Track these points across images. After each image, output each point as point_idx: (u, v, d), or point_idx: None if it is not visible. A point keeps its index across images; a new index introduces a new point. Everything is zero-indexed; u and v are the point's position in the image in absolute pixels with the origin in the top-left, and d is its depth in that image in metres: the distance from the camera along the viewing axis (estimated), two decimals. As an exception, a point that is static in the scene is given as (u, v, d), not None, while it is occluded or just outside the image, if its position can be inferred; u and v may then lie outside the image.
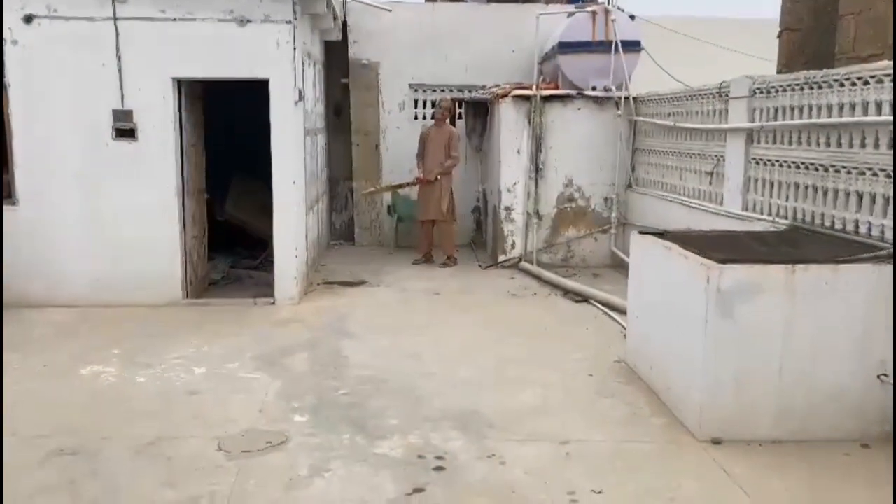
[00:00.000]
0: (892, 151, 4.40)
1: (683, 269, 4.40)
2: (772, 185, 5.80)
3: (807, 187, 5.32)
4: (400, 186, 9.70)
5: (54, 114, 6.61)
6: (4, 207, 6.68)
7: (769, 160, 5.82)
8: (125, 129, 6.66)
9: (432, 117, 9.27)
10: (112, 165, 6.72)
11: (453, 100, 10.07)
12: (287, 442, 4.13)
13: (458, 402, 4.75)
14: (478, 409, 4.62)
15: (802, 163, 5.36)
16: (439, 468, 3.86)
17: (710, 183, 6.87)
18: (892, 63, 4.45)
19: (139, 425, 4.32)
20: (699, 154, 7.16)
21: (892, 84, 4.39)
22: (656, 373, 4.88)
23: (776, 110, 5.71)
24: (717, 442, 4.17)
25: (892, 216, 4.41)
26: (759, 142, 5.99)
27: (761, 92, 5.92)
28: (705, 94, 7.00)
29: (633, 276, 5.39)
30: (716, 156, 6.75)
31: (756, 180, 6.04)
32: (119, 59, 6.57)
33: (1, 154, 6.66)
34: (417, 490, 3.63)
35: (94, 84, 6.59)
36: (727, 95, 6.48)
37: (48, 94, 6.58)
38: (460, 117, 10.32)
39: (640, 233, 5.31)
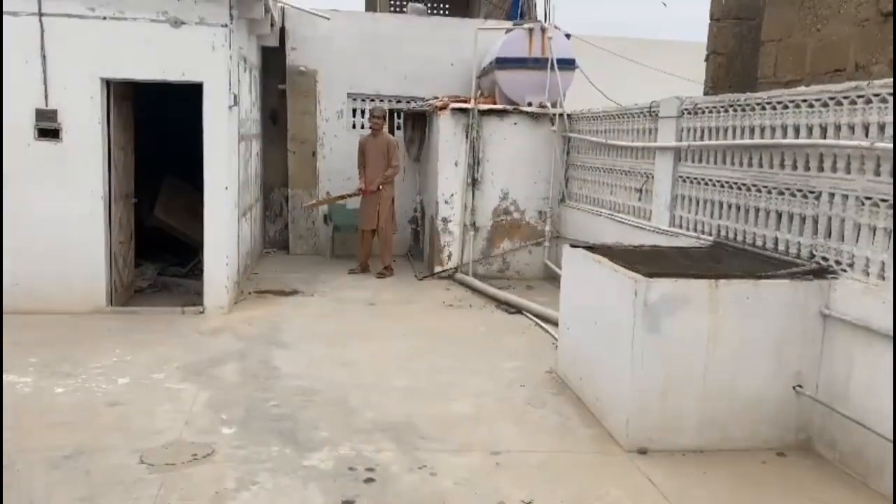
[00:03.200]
0: (807, 173, 4.63)
1: (612, 282, 4.52)
2: (697, 202, 6.01)
3: (730, 206, 5.53)
4: (342, 198, 9.58)
5: (-28, 110, 6.30)
6: (-86, 208, 6.33)
7: (695, 178, 6.04)
8: (48, 130, 6.41)
9: (369, 126, 9.23)
10: (34, 167, 6.45)
11: (390, 109, 10.10)
12: (213, 454, 4.03)
13: (390, 412, 4.73)
14: (410, 420, 4.61)
15: (726, 182, 5.57)
16: (369, 480, 3.84)
17: (640, 199, 7.07)
18: (804, 89, 4.69)
19: (56, 437, 4.14)
20: (629, 171, 7.36)
21: (807, 108, 4.61)
22: (586, 383, 4.98)
23: (702, 130, 5.92)
24: (643, 451, 4.27)
25: (806, 234, 4.62)
26: (686, 160, 6.21)
27: (689, 112, 6.14)
28: (636, 113, 7.21)
29: (564, 289, 5.49)
30: (645, 173, 6.96)
31: (683, 197, 6.25)
32: (44, 56, 6.32)
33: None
34: (347, 502, 3.60)
35: (17, 81, 6.32)
36: (657, 115, 6.69)
37: (-34, 90, 6.28)
38: (399, 128, 10.33)
39: (572, 246, 5.42)
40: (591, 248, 5.24)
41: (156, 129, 8.60)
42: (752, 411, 4.32)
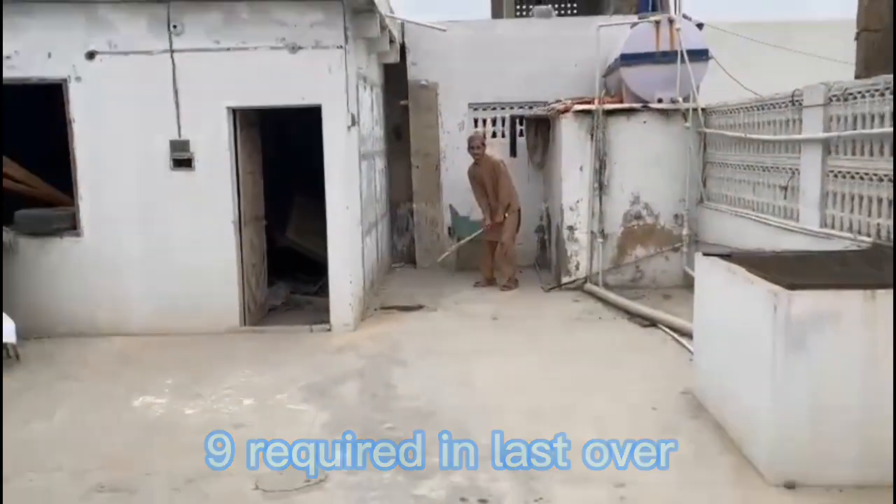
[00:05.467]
0: None
1: (749, 295, 4.04)
2: (852, 199, 5.33)
3: (891, 201, 4.84)
4: (471, 239, 9.36)
5: (115, 146, 6.76)
6: (70, 239, 6.88)
7: (849, 173, 5.35)
8: (182, 160, 6.76)
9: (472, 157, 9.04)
10: (170, 195, 6.82)
11: (512, 116, 9.90)
12: (326, 480, 3.99)
13: (508, 437, 4.49)
14: (528, 445, 4.35)
15: (886, 175, 4.88)
16: (481, 512, 3.63)
17: (785, 198, 6.40)
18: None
19: (181, 460, 4.27)
20: (772, 167, 6.69)
21: None
22: (724, 407, 4.50)
23: (855, 118, 5.24)
24: (790, 486, 3.77)
25: None
26: (836, 153, 5.53)
27: (838, 99, 5.46)
28: (777, 103, 6.54)
29: (697, 302, 5.02)
30: (790, 168, 6.28)
31: (835, 194, 5.57)
32: (176, 90, 6.68)
33: (64, 187, 6.89)
34: (455, 537, 3.41)
35: (153, 116, 6.72)
36: (800, 104, 6.03)
37: (110, 128, 6.74)
38: (521, 134, 10.08)
39: (704, 254, 4.94)
40: (726, 256, 4.75)
41: (287, 151, 8.90)
42: (924, 443, 3.69)
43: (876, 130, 4.95)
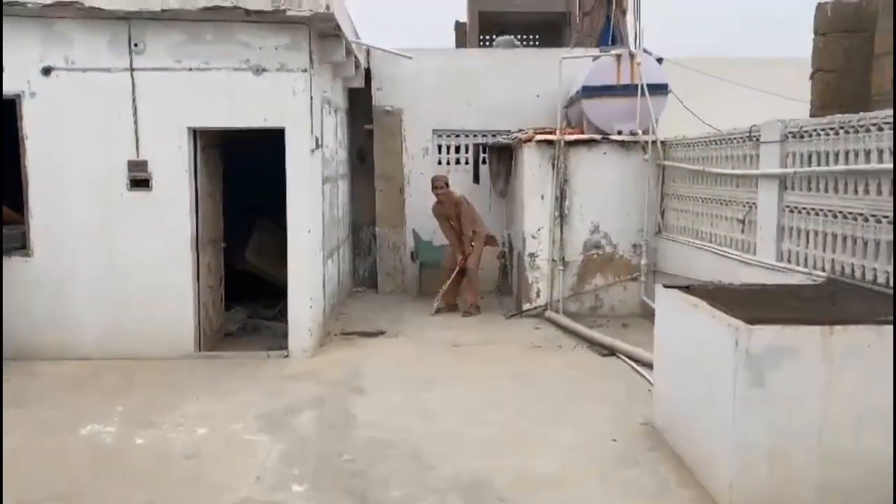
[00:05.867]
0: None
1: (710, 329, 4.07)
2: (807, 234, 5.45)
3: (845, 238, 4.97)
4: (450, 281, 9.01)
5: (70, 164, 6.58)
6: (19, 258, 6.65)
7: (804, 208, 5.48)
8: (140, 180, 6.60)
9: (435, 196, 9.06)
10: (126, 216, 6.65)
11: (475, 144, 9.98)
12: (282, 515, 3.87)
13: (468, 468, 4.44)
14: (489, 479, 4.30)
15: (840, 212, 5.02)
16: (442, 548, 3.56)
17: (742, 231, 6.53)
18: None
19: (131, 492, 4.11)
20: (730, 200, 6.83)
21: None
22: (684, 439, 4.52)
23: (811, 155, 5.39)
24: (750, 521, 3.78)
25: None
26: (793, 188, 5.66)
27: (794, 136, 5.61)
28: (735, 138, 6.70)
29: (658, 333, 5.06)
30: (747, 202, 6.42)
31: (791, 229, 5.70)
32: (135, 109, 6.54)
33: (15, 204, 6.66)
34: (415, 575, 3.33)
35: (110, 134, 6.55)
36: (758, 139, 6.18)
37: (64, 145, 6.56)
38: (484, 162, 10.14)
39: (665, 286, 4.99)
40: (688, 289, 4.80)
41: (248, 173, 8.78)
42: (881, 480, 3.74)
43: (830, 168, 5.08)
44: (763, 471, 3.79)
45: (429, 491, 4.15)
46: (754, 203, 6.28)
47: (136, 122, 6.56)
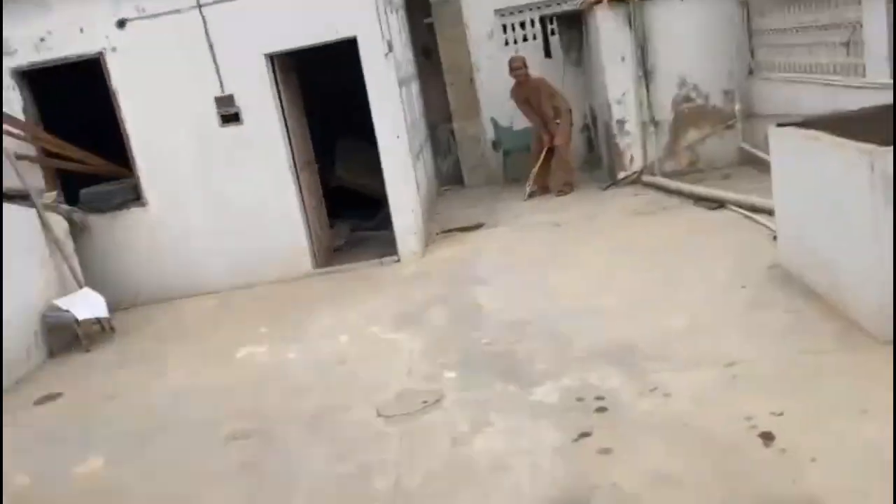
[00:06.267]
0: None
1: (840, 159, 3.95)
2: (925, 43, 5.10)
3: (972, 38, 4.63)
4: (540, 163, 8.93)
5: (162, 111, 6.78)
6: (137, 210, 7.01)
7: (919, 16, 5.11)
8: (229, 115, 6.75)
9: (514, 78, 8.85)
10: (224, 152, 6.86)
11: (541, 16, 9.61)
12: (442, 400, 4.13)
13: (605, 336, 4.57)
14: (628, 342, 4.43)
15: (963, 11, 4.65)
16: (601, 409, 3.74)
17: (847, 54, 6.15)
18: None
19: (301, 400, 4.45)
20: (829, 24, 6.40)
21: None
22: (819, 274, 4.48)
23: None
24: (902, 341, 3.78)
25: None
26: (903, -3, 5.26)
27: (900, -62, 5.16)
28: (829, -45, 6.21)
29: (776, 176, 4.93)
30: (851, 23, 6.01)
31: (905, 42, 5.34)
32: (210, 45, 6.61)
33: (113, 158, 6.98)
34: (584, 434, 3.53)
35: (193, 75, 6.68)
36: (857, -49, 5.71)
37: (153, 94, 6.74)
38: (553, 34, 9.78)
39: (779, 125, 4.82)
40: (802, 124, 4.63)
41: (316, 96, 8.81)
42: None
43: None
44: (912, 291, 3.74)
45: (574, 361, 4.31)
46: (859, 22, 5.87)
47: (214, 58, 6.65)
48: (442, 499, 3.24)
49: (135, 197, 7.02)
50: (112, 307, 6.51)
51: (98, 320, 6.31)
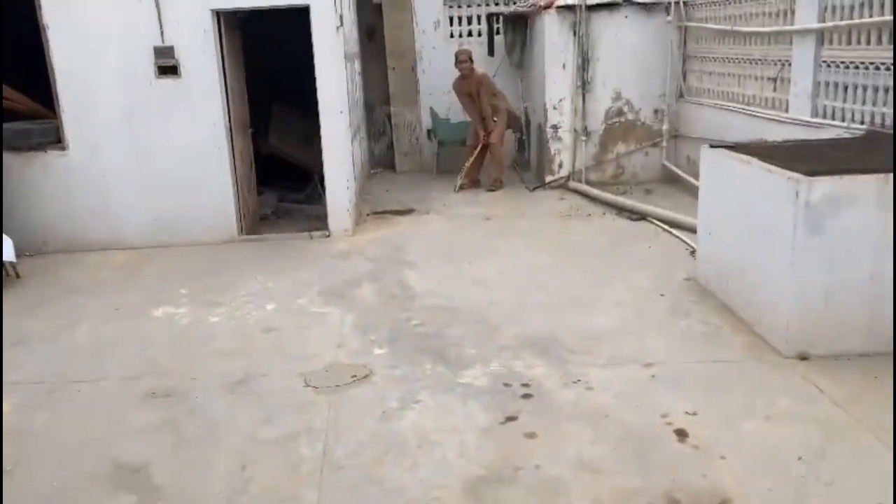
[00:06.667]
0: None
1: (766, 184, 4.24)
2: (845, 88, 5.53)
3: (886, 89, 5.06)
4: (476, 154, 9.06)
5: (95, 54, 6.45)
6: (56, 153, 6.65)
7: (843, 62, 5.53)
8: (167, 67, 6.50)
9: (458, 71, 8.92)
10: (157, 104, 6.60)
11: (489, 14, 9.74)
12: (371, 375, 4.16)
13: (532, 327, 4.73)
14: (554, 334, 4.60)
15: (882, 64, 5.07)
16: (527, 395, 3.87)
17: (774, 89, 6.58)
18: None
19: (224, 364, 4.37)
20: (761, 59, 6.83)
21: None
22: (734, 290, 4.79)
23: (851, 8, 5.37)
24: (804, 357, 4.11)
25: None
26: (830, 43, 5.68)
27: (834, -12, 5.57)
28: (767, -5, 6.61)
29: (703, 192, 5.23)
30: (780, 60, 6.44)
31: (827, 84, 5.76)
32: (156, -8, 6.35)
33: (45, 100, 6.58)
34: (510, 418, 3.65)
35: (133, 21, 6.39)
36: (793, -6, 6.11)
37: (87, 35, 6.41)
38: (498, 33, 9.93)
39: (711, 146, 5.11)
40: (733, 148, 4.93)
41: (257, 58, 8.61)
42: (925, 314, 4.04)
43: (874, 19, 5.09)
44: (818, 311, 4.07)
45: (502, 348, 4.44)
46: (788, 60, 6.30)
47: (157, 6, 6.38)
48: (370, 467, 3.28)
49: (55, 140, 6.65)
50: (18, 252, 6.16)
51: (3, 264, 5.95)
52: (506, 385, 3.99)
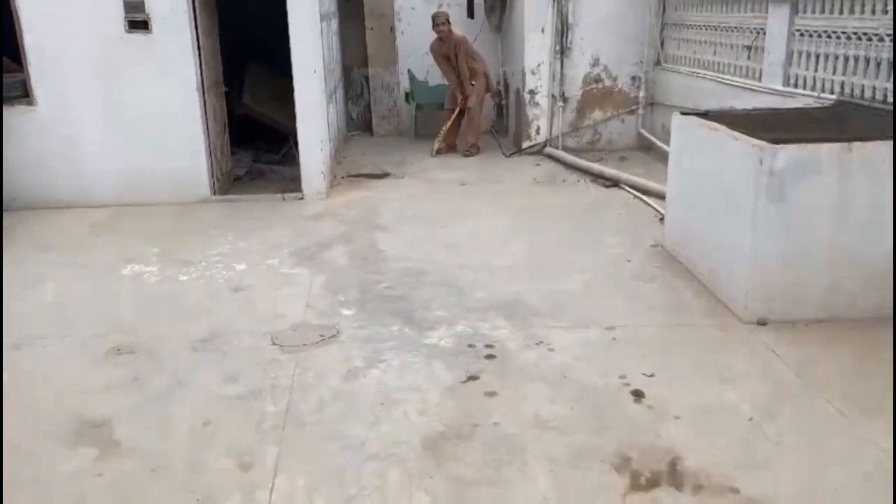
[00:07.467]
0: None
1: (732, 151, 4.29)
2: (817, 58, 5.56)
3: (856, 59, 5.10)
4: (454, 118, 9.03)
5: (62, 6, 6.31)
6: (22, 107, 6.53)
7: (815, 31, 5.55)
8: (138, 21, 6.38)
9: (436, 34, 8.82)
10: (127, 60, 6.49)
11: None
12: (338, 335, 4.20)
13: (499, 291, 4.78)
14: (520, 298, 4.65)
15: (854, 33, 5.10)
16: (490, 356, 3.93)
17: (749, 58, 6.60)
18: None
19: (190, 322, 4.38)
20: (736, 27, 6.83)
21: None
22: (697, 256, 4.86)
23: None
24: (762, 323, 4.20)
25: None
26: (805, 11, 5.69)
27: (810, -43, 5.56)
28: (745, -38, 6.59)
29: (673, 159, 5.27)
30: (755, 28, 6.44)
31: (800, 53, 5.79)
32: (125, -57, 6.19)
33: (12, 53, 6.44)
34: (472, 378, 3.71)
35: (101, -28, 6.25)
36: (771, -38, 6.10)
37: (55, -14, 6.26)
38: (478, -5, 9.82)
39: (682, 113, 5.14)
40: (704, 115, 4.96)
41: (230, 14, 8.46)
42: (881, 279, 4.14)
43: (847, -11, 5.11)
44: (777, 278, 4.15)
45: (468, 311, 4.49)
46: (762, 29, 6.31)
47: (127, -42, 6.23)
48: (332, 423, 3.33)
49: (22, 94, 6.52)
50: (-16, 208, 6.09)
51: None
52: (470, 346, 4.04)
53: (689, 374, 3.73)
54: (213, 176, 6.98)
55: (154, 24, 6.41)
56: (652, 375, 3.69)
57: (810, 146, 3.99)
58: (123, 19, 6.37)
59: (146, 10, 6.35)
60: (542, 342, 4.07)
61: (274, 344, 4.08)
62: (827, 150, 3.96)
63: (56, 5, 6.31)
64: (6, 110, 6.52)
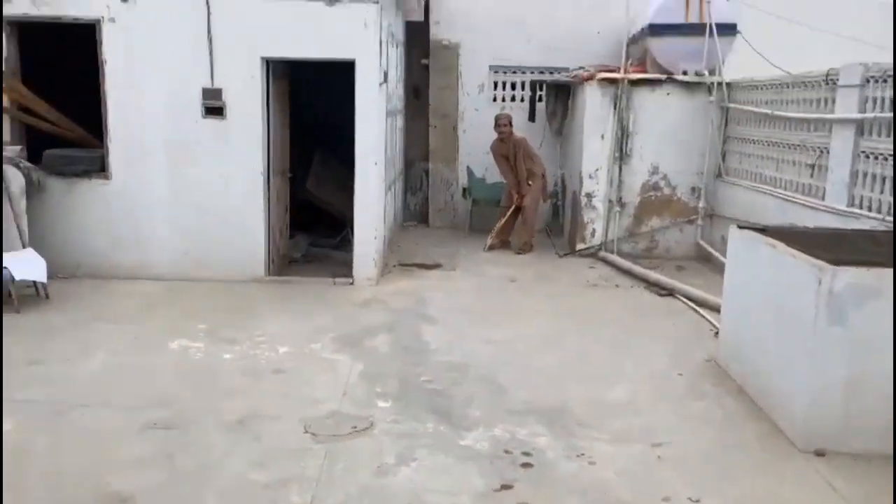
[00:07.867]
0: None
1: (791, 270, 4.15)
2: (883, 180, 5.44)
3: (925, 184, 4.97)
4: (508, 217, 9.12)
5: (148, 90, 6.73)
6: (99, 181, 6.88)
7: (881, 154, 5.45)
8: (214, 108, 6.74)
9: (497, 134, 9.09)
10: (201, 143, 6.82)
11: (532, 81, 9.92)
12: (372, 427, 4.11)
13: (542, 394, 4.65)
14: (563, 404, 4.51)
15: (921, 158, 5.00)
16: (527, 465, 3.78)
17: (812, 176, 6.51)
18: None
19: (228, 402, 4.37)
20: (799, 145, 6.78)
21: None
22: (752, 376, 4.66)
23: (893, 101, 5.33)
24: (820, 453, 3.94)
25: None
26: (870, 134, 5.62)
27: (876, 80, 5.54)
28: (809, 82, 6.61)
29: (729, 273, 5.14)
30: (819, 147, 6.38)
31: (864, 174, 5.68)
32: (210, 37, 6.63)
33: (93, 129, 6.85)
34: (506, 486, 3.56)
35: (186, 62, 6.67)
36: (835, 83, 6.10)
37: (142, 72, 6.70)
38: (540, 100, 10.07)
39: (739, 227, 5.05)
40: (762, 230, 4.86)
41: (304, 105, 8.87)
42: (951, 417, 3.86)
43: (914, 114, 5.04)
44: (836, 406, 3.92)
45: (508, 413, 4.36)
46: (826, 148, 6.24)
47: (210, 50, 6.65)
48: (356, 524, 3.22)
49: (99, 168, 6.89)
50: (51, 274, 6.33)
51: (34, 283, 6.12)
52: (507, 452, 3.90)
53: (738, 502, 3.49)
54: (269, 257, 7.14)
55: (228, 111, 6.75)
56: (698, 501, 3.47)
57: (873, 270, 3.84)
58: (201, 105, 6.73)
59: (222, 98, 6.71)
60: (582, 454, 3.90)
61: (307, 432, 4.02)
62: (889, 276, 3.80)
63: (141, 90, 6.72)
64: (83, 184, 6.88)
